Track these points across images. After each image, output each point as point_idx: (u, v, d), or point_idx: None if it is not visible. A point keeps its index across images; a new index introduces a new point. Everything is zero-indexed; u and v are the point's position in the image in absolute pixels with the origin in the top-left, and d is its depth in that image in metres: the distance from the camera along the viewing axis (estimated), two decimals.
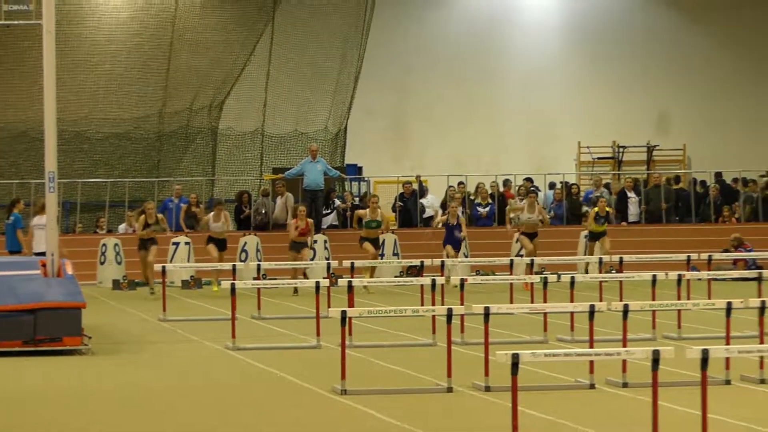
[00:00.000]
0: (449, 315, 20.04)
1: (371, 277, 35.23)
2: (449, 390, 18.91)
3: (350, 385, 19.72)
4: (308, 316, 28.60)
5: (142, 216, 37.45)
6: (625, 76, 55.92)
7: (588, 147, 54.44)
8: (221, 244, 37.53)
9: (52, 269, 27.92)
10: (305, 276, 34.94)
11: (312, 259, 39.35)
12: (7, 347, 25.57)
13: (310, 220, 36.83)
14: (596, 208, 40.50)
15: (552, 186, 49.54)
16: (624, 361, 19.33)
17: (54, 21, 28.06)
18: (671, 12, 57.04)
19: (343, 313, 19.84)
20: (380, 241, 38.89)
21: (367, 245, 36.05)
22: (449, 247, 37.96)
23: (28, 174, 45.27)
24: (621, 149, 54.29)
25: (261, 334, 29.37)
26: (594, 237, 38.99)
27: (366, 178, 51.79)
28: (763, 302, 21.06)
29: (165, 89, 51.00)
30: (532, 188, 48.62)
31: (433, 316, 24.80)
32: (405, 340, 26.32)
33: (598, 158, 54.54)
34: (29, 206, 40.61)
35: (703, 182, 51.28)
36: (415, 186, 48.33)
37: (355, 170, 51.80)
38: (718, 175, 51.18)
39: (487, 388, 18.66)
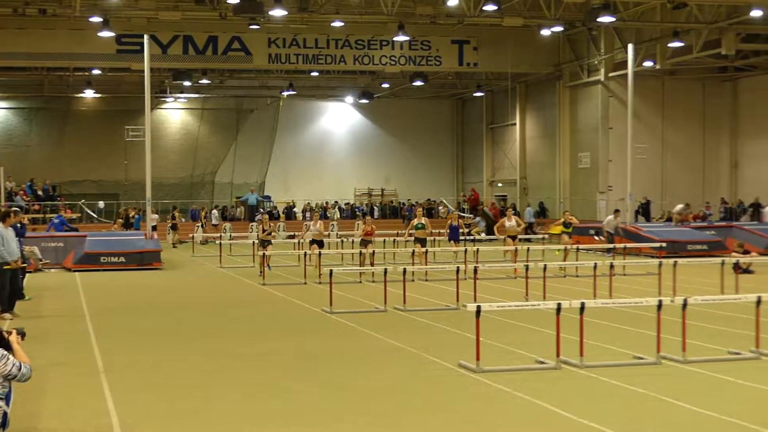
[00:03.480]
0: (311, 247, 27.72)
1: (419, 259, 28.53)
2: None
3: (269, 280, 25.65)
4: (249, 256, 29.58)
5: (260, 225, 31.75)
6: (372, 160, 61.78)
7: (358, 189, 61.32)
8: (320, 244, 28.91)
9: (149, 235, 33.75)
10: (372, 264, 27.11)
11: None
12: (132, 267, 30.56)
13: (374, 226, 30.17)
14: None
15: (345, 205, 56.64)
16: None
17: (150, 138, 34.66)
18: (389, 134, 61.99)
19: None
20: (425, 239, 29.88)
21: (418, 246, 28.50)
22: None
23: (138, 199, 47.06)
24: (371, 190, 61.32)
25: (232, 263, 33.20)
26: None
27: (273, 201, 56.54)
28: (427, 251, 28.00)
29: (193, 163, 58.74)
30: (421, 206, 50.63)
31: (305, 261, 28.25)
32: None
33: (362, 194, 61.04)
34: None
35: (404, 203, 57.29)
36: (291, 204, 55.66)
37: (269, 198, 56.80)
38: (410, 201, 57.37)
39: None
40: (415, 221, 29.47)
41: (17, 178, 49.19)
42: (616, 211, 37.07)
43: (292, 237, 40.00)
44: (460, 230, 33.11)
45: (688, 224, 40.58)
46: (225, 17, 39.33)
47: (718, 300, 16.56)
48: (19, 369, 8.34)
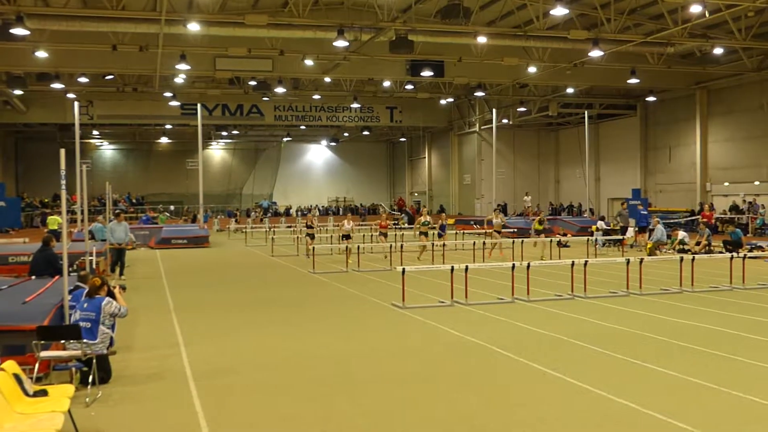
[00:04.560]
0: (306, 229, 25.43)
1: (421, 253, 21.83)
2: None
3: (275, 253, 24.18)
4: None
5: (306, 222, 26.00)
6: (338, 179, 57.25)
7: (329, 197, 56.44)
8: (347, 237, 22.14)
9: (201, 225, 34.26)
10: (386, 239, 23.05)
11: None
12: (191, 246, 29.26)
13: (389, 221, 25.63)
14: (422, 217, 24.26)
15: (321, 207, 53.02)
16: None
17: (201, 167, 36.10)
18: (348, 163, 57.63)
19: (273, 240, 27.80)
20: (428, 234, 22.13)
21: (422, 237, 21.70)
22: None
23: (194, 203, 43.62)
24: (338, 198, 56.25)
25: (257, 243, 30.80)
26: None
27: (277, 205, 52.74)
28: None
29: (228, 182, 54.80)
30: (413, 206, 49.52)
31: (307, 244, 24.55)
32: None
33: (332, 200, 56.04)
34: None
35: (358, 206, 53.35)
36: (289, 207, 51.97)
37: (275, 203, 52.88)
38: (362, 204, 54.36)
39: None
40: (422, 219, 22.84)
41: (119, 191, 47.74)
42: (495, 210, 36.10)
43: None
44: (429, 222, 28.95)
45: (528, 217, 39.65)
46: (247, 92, 37.96)
47: (548, 263, 16.42)
48: (119, 309, 8.27)
